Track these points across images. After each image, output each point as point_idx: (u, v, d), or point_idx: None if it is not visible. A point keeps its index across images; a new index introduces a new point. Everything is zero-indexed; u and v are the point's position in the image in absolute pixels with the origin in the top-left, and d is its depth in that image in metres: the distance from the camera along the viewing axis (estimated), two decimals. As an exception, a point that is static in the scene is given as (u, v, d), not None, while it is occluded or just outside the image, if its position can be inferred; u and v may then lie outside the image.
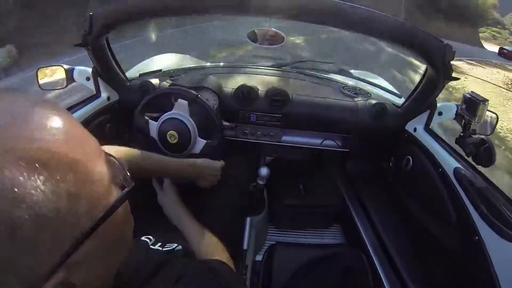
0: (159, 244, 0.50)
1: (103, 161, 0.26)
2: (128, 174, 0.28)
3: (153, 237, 0.52)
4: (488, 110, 0.84)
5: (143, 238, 0.51)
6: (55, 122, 0.23)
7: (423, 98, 1.04)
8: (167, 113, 0.94)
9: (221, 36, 7.92)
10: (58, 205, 0.20)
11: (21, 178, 0.19)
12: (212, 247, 0.61)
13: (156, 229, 0.66)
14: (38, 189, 0.19)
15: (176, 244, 0.52)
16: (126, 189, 0.27)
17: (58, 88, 1.07)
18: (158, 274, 0.39)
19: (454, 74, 0.88)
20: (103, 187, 0.24)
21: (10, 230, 0.19)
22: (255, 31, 1.01)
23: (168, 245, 0.51)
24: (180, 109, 0.94)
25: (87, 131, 0.26)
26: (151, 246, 0.49)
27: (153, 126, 0.95)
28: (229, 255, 0.63)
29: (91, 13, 0.89)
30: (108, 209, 0.24)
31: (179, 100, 0.95)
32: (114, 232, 0.26)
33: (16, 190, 0.19)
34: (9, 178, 0.19)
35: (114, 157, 0.28)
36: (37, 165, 0.20)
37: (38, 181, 0.20)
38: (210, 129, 0.97)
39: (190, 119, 0.94)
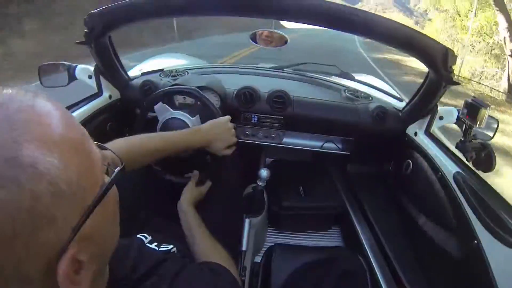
0: (155, 244, 0.49)
1: (94, 145, 0.29)
2: (116, 154, 0.32)
3: (148, 235, 0.52)
4: (489, 115, 0.84)
5: (138, 236, 0.51)
6: (56, 109, 0.25)
7: (424, 102, 1.04)
8: (169, 113, 0.94)
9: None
10: (70, 179, 0.23)
11: (38, 155, 0.21)
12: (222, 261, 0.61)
13: (152, 228, 0.66)
14: (53, 165, 0.22)
15: (172, 246, 0.52)
16: (118, 168, 0.29)
17: (60, 85, 1.07)
18: (155, 272, 0.39)
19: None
20: (99, 166, 0.27)
21: (30, 203, 0.20)
22: (257, 32, 1.01)
23: (164, 245, 0.51)
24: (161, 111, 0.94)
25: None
26: (147, 244, 0.48)
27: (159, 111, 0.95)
28: (229, 256, 0.63)
29: (94, 11, 0.89)
30: (107, 185, 0.27)
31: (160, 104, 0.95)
32: (111, 208, 0.29)
33: (35, 165, 0.21)
34: (28, 156, 0.21)
35: (99, 144, 0.31)
36: (50, 144, 0.22)
37: (53, 158, 0.22)
38: None
39: (192, 119, 0.94)
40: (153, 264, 0.40)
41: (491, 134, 0.92)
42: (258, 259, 1.07)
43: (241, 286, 0.54)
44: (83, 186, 0.24)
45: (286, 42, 0.96)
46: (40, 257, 0.22)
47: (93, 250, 0.26)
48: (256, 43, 0.99)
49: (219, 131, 0.80)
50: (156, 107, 0.96)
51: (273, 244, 1.04)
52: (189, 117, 0.92)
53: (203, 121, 0.95)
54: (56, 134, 0.23)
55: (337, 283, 0.91)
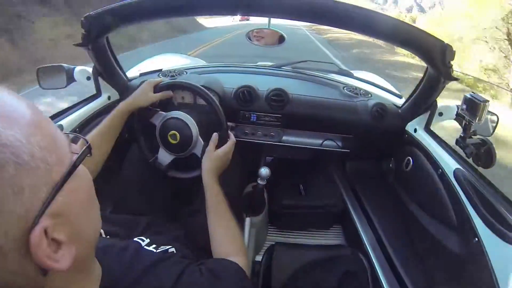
0: (153, 246, 0.49)
1: (59, 130, 0.30)
2: (84, 138, 0.34)
3: (146, 239, 0.51)
4: (488, 111, 0.84)
5: (135, 239, 0.51)
6: (20, 99, 0.27)
7: (423, 99, 1.03)
8: (169, 113, 0.95)
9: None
10: (32, 152, 0.24)
11: (1, 128, 0.23)
12: (237, 244, 0.62)
13: (151, 231, 0.66)
14: (15, 137, 0.24)
15: (170, 246, 0.52)
16: (84, 147, 0.31)
17: (59, 87, 1.07)
18: (153, 271, 0.39)
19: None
20: (65, 147, 0.29)
21: None
22: (255, 31, 1.01)
23: (162, 247, 0.50)
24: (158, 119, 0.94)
25: None
26: (144, 246, 0.47)
27: (160, 114, 0.95)
28: (243, 244, 0.64)
29: (90, 13, 0.89)
30: (74, 162, 0.28)
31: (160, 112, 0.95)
32: (84, 190, 0.30)
33: None
34: None
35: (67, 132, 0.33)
36: (11, 120, 0.24)
37: (14, 132, 0.24)
38: (210, 130, 0.97)
39: (192, 119, 0.94)
40: (150, 264, 0.40)
41: (491, 129, 0.92)
42: (259, 258, 1.07)
43: (249, 281, 0.52)
44: (46, 161, 0.25)
45: (283, 40, 0.95)
46: (10, 226, 0.23)
47: (69, 231, 0.27)
48: (251, 41, 0.98)
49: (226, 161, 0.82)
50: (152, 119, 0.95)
51: (273, 243, 1.04)
52: (188, 116, 0.92)
53: (202, 123, 0.95)
54: (17, 112, 0.25)
55: (339, 282, 0.91)
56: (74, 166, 0.28)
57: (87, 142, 0.31)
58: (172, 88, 0.97)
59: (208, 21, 18.55)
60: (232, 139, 0.87)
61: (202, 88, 0.92)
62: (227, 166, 0.83)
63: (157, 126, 0.94)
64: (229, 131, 0.90)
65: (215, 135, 0.85)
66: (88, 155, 0.31)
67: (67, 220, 0.27)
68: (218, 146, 0.83)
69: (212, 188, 0.74)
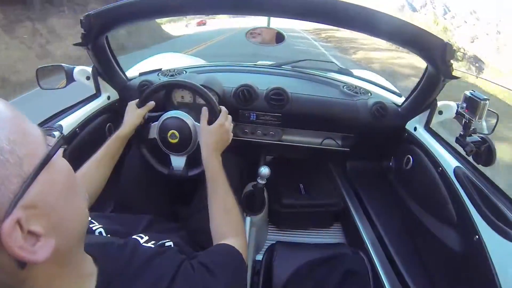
0: (152, 242, 0.49)
1: (34, 125, 0.30)
2: (61, 133, 0.33)
3: (145, 236, 0.51)
4: (488, 109, 0.84)
5: (134, 236, 0.51)
6: None
7: (423, 97, 1.03)
8: (168, 112, 0.94)
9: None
10: (1, 147, 0.25)
11: None
12: (234, 224, 0.63)
13: (151, 230, 0.66)
14: None
15: (168, 240, 0.52)
16: (58, 137, 0.31)
17: (58, 87, 1.07)
18: (149, 265, 0.39)
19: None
20: (38, 142, 0.29)
21: None
22: (255, 30, 1.01)
23: (160, 242, 0.50)
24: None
25: None
26: (142, 244, 0.47)
27: (154, 125, 0.95)
28: (243, 227, 0.64)
29: (89, 13, 0.89)
30: (46, 154, 0.28)
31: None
32: (61, 181, 0.30)
33: None
34: None
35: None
36: None
37: None
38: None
39: (191, 118, 0.94)
40: (147, 258, 0.40)
41: (491, 128, 0.92)
42: (259, 257, 1.07)
43: (244, 264, 0.52)
44: (17, 154, 0.26)
45: (282, 39, 0.95)
46: None
47: (47, 222, 0.27)
48: (249, 39, 0.98)
49: (221, 134, 0.80)
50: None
51: (274, 242, 1.04)
52: (186, 114, 0.92)
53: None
54: None
55: (340, 281, 0.91)
56: (47, 158, 0.28)
57: (61, 134, 0.32)
58: (165, 88, 0.97)
59: (174, 29, 17.19)
60: (223, 109, 0.85)
61: (194, 84, 0.91)
62: (227, 139, 0.82)
63: (156, 127, 0.94)
64: (218, 105, 0.88)
65: (204, 109, 0.84)
66: (64, 146, 0.31)
67: (43, 212, 0.27)
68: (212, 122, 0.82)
69: (210, 163, 0.73)
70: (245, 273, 0.51)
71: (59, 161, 0.31)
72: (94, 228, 0.50)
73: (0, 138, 0.25)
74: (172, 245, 0.51)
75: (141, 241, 0.49)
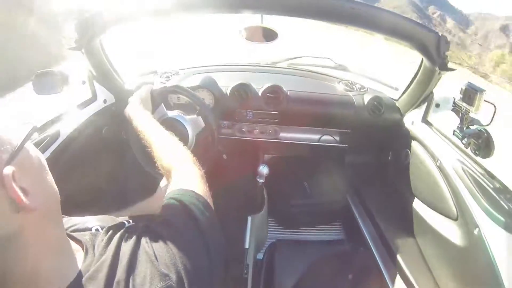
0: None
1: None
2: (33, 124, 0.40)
3: (132, 221, 0.53)
4: (485, 100, 0.83)
5: (121, 221, 0.52)
6: None
7: (419, 91, 1.03)
8: (166, 114, 0.95)
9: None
10: None
11: None
12: (178, 156, 0.61)
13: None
14: None
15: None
16: (31, 129, 0.38)
17: (54, 92, 1.07)
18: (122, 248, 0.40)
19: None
20: (17, 128, 0.37)
21: None
22: (249, 28, 1.00)
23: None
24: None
25: None
26: (127, 226, 0.49)
27: None
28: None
29: (82, 16, 0.89)
30: (27, 134, 0.37)
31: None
32: (36, 155, 0.38)
33: None
34: None
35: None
36: None
37: None
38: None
39: (184, 116, 0.94)
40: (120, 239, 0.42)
41: (488, 119, 0.91)
42: (260, 256, 1.07)
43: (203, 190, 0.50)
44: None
45: (275, 37, 0.95)
46: None
47: (31, 182, 0.35)
48: (246, 38, 0.97)
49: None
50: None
51: (274, 241, 1.04)
52: (183, 116, 0.92)
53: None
54: None
55: (342, 277, 0.91)
56: (28, 135, 0.37)
57: (34, 125, 0.39)
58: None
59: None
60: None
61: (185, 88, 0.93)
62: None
63: None
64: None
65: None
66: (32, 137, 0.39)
67: (29, 172, 0.35)
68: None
69: (137, 116, 0.77)
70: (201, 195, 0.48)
71: (32, 147, 0.39)
72: (90, 226, 0.51)
73: None
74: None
75: (127, 224, 0.50)
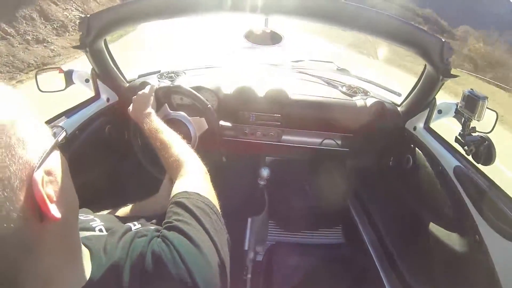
0: (144, 227, 0.49)
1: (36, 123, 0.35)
2: (60, 126, 0.40)
3: (138, 223, 0.52)
4: (487, 108, 0.84)
5: (127, 223, 0.51)
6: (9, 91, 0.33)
7: (422, 96, 1.03)
8: (170, 114, 0.95)
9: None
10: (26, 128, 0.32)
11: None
12: (182, 167, 0.59)
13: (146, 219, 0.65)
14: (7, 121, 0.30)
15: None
16: (61, 131, 0.38)
17: (57, 90, 1.07)
18: (129, 253, 0.39)
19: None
20: (48, 131, 0.36)
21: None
22: (252, 31, 1.01)
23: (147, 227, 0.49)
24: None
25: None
26: (133, 229, 0.47)
27: None
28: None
29: (88, 15, 0.89)
30: (55, 140, 0.35)
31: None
32: (63, 162, 0.37)
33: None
34: None
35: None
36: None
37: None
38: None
39: (188, 117, 0.94)
40: (130, 240, 0.41)
41: (490, 126, 0.91)
42: (260, 258, 1.07)
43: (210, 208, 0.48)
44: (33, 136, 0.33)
45: (280, 40, 0.95)
46: (19, 167, 0.29)
47: (57, 189, 0.33)
48: (250, 41, 0.98)
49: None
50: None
51: (274, 243, 1.04)
52: (186, 116, 0.93)
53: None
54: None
55: (340, 280, 0.91)
56: (57, 142, 0.36)
57: (63, 129, 0.38)
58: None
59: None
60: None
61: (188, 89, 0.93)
62: (144, 102, 0.84)
63: None
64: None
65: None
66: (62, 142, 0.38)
67: (56, 179, 0.34)
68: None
69: (142, 115, 0.76)
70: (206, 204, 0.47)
71: (59, 152, 0.37)
72: (94, 225, 0.50)
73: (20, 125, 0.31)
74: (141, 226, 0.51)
75: (133, 228, 0.49)
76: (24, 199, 0.29)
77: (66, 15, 8.24)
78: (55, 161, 0.35)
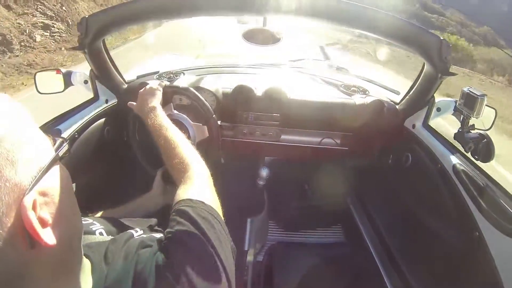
0: (147, 236, 0.48)
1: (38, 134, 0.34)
2: (62, 138, 0.37)
3: (140, 229, 0.51)
4: (486, 105, 0.84)
5: (129, 230, 0.50)
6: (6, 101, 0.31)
7: (421, 94, 1.03)
8: (172, 114, 0.95)
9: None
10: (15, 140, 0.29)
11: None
12: (186, 172, 0.57)
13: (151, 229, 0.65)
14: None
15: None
16: (62, 141, 0.35)
17: (56, 92, 1.07)
18: (134, 261, 0.38)
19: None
20: (47, 143, 0.34)
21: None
22: (251, 30, 1.01)
23: (151, 235, 0.49)
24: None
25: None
26: (135, 237, 0.47)
27: None
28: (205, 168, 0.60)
29: (86, 16, 0.89)
30: (55, 153, 0.33)
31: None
32: (64, 178, 0.34)
33: None
34: None
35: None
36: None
37: None
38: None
39: (189, 120, 0.94)
40: (135, 249, 0.40)
41: (489, 124, 0.92)
42: (260, 258, 1.07)
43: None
44: (28, 153, 0.30)
45: (278, 40, 0.95)
46: (7, 191, 0.27)
47: (54, 212, 0.31)
48: (248, 41, 0.98)
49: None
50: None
51: (274, 243, 1.04)
52: (185, 117, 0.93)
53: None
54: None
55: (341, 279, 0.91)
56: (56, 156, 0.33)
57: (63, 138, 0.37)
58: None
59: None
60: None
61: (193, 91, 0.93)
62: (152, 94, 0.82)
63: None
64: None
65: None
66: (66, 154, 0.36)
67: (52, 201, 0.31)
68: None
69: (148, 119, 0.73)
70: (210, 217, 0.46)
71: (60, 165, 0.35)
72: (94, 229, 0.50)
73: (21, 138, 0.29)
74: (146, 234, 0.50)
75: (135, 234, 0.48)
76: (12, 225, 0.27)
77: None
78: (53, 179, 0.32)
